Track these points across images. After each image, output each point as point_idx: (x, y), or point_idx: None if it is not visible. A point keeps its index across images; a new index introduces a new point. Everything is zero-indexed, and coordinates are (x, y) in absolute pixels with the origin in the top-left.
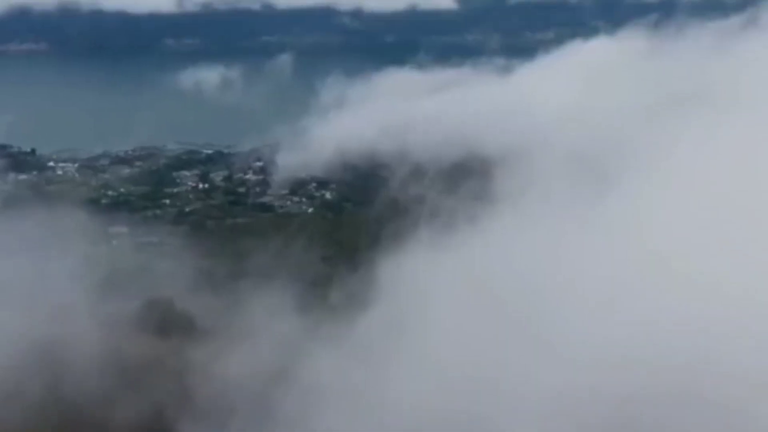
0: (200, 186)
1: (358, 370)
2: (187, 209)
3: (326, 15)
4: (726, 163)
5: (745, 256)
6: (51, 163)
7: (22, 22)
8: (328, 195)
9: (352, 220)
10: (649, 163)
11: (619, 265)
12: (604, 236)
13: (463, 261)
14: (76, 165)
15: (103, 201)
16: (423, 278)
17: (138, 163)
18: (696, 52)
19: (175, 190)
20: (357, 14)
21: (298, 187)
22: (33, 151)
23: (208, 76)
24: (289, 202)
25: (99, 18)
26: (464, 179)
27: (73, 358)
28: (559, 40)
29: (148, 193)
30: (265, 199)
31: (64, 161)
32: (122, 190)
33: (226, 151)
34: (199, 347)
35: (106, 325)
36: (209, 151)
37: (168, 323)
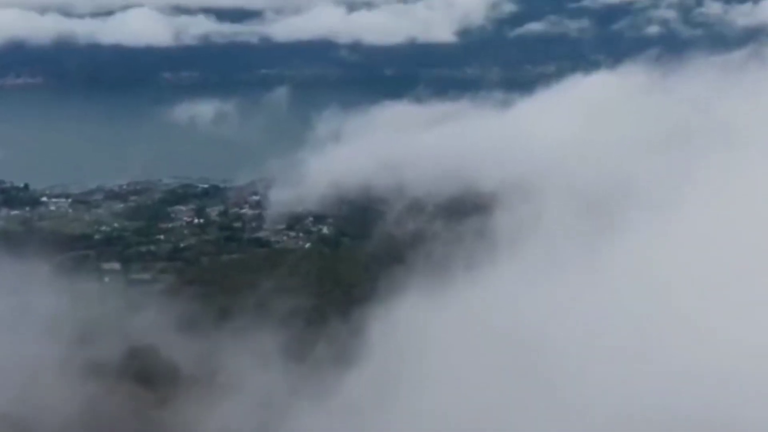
0: (195, 221)
1: (351, 424)
2: (181, 245)
3: (325, 48)
4: (733, 203)
5: (756, 302)
6: (44, 199)
7: (17, 56)
8: (325, 230)
9: (349, 256)
10: (652, 202)
11: (625, 313)
12: (609, 281)
13: (462, 305)
14: (70, 200)
15: (96, 237)
16: (421, 324)
17: (132, 198)
18: (698, 87)
19: (170, 225)
20: (355, 47)
21: (294, 221)
22: (26, 186)
23: (205, 110)
24: (285, 237)
25: (95, 51)
26: (463, 215)
27: (46, 412)
28: (559, 74)
29: (142, 228)
30: (261, 234)
31: (57, 196)
32: (116, 225)
33: (222, 185)
34: (181, 399)
35: (86, 375)
36: (205, 186)
37: (151, 373)
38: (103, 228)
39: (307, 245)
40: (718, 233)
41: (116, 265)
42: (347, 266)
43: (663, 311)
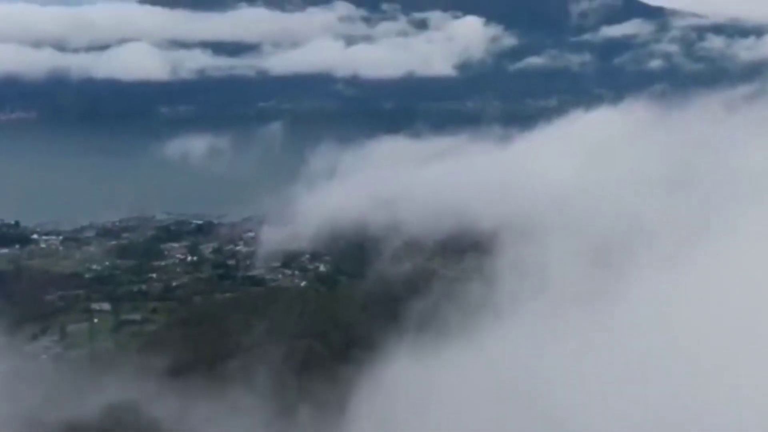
0: (188, 258)
1: None
2: (174, 283)
3: (322, 81)
4: (743, 248)
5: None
6: (34, 236)
7: (11, 91)
8: (322, 267)
9: (346, 295)
10: (659, 246)
11: (632, 368)
12: (614, 332)
13: (461, 353)
14: (61, 237)
15: (87, 276)
16: (420, 370)
17: (125, 235)
18: (703, 124)
19: (163, 263)
20: (353, 81)
21: (290, 259)
22: (17, 223)
23: (200, 144)
24: (280, 276)
25: (90, 86)
26: (462, 254)
27: None
28: (560, 108)
29: (134, 266)
30: (256, 272)
31: (48, 234)
32: (107, 263)
33: (216, 221)
34: None
35: None
36: (199, 222)
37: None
38: (94, 267)
39: (303, 284)
40: (727, 281)
41: (106, 306)
42: (344, 306)
43: (673, 365)
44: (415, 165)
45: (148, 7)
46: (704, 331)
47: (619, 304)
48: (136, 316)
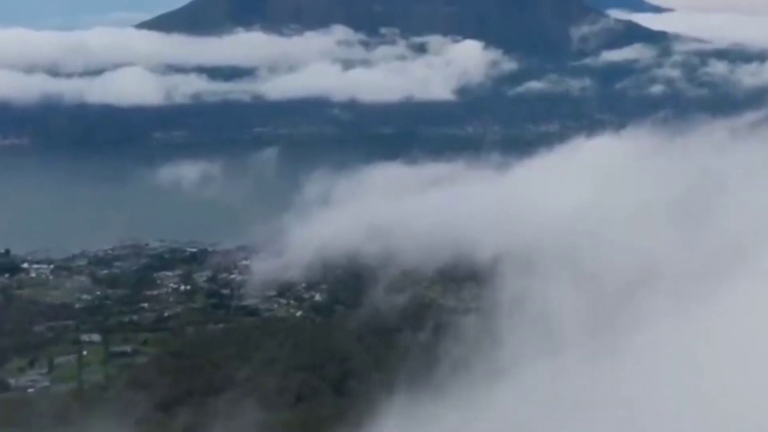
0: (182, 288)
1: None
2: (166, 314)
3: (319, 106)
4: (754, 284)
5: None
6: (25, 265)
7: (3, 117)
8: (318, 297)
9: (343, 326)
10: (662, 281)
11: (638, 415)
12: (615, 376)
13: (459, 393)
14: (51, 266)
15: (77, 306)
16: (417, 407)
17: (117, 264)
18: (707, 152)
19: (155, 292)
20: (351, 105)
21: (285, 288)
22: (7, 251)
23: (195, 170)
24: (275, 305)
25: (83, 111)
26: (460, 285)
27: None
28: (561, 134)
29: (125, 296)
30: (250, 302)
31: (39, 262)
32: (98, 293)
33: (210, 249)
34: None
35: None
36: (193, 249)
37: None
38: (85, 296)
39: (299, 313)
40: (740, 323)
41: (96, 337)
42: (341, 337)
43: (684, 416)
44: (413, 192)
45: (144, 32)
46: (718, 379)
47: (624, 345)
48: (127, 348)
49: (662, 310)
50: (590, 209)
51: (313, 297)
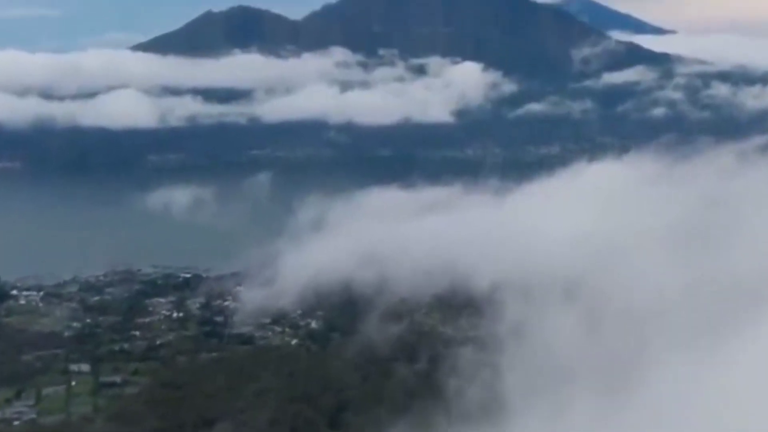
0: (174, 315)
1: None
2: (158, 342)
3: (316, 128)
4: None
5: None
6: (14, 292)
7: None
8: (313, 324)
9: (339, 354)
10: (664, 313)
11: None
12: (615, 408)
13: (457, 422)
14: (42, 293)
15: (67, 334)
16: None
17: (109, 290)
18: (713, 178)
19: (147, 319)
20: (348, 128)
21: (280, 315)
22: None
23: (189, 195)
24: (270, 333)
25: (76, 135)
26: (459, 312)
27: None
28: (562, 156)
29: (116, 323)
30: (244, 330)
31: (29, 289)
32: (88, 321)
33: (204, 274)
34: None
35: None
36: (187, 275)
37: None
38: (75, 324)
39: (294, 341)
40: (748, 359)
41: (85, 367)
42: (337, 366)
43: None
44: (410, 216)
45: (140, 54)
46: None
47: (629, 382)
48: (117, 378)
49: (668, 346)
50: (592, 236)
51: (308, 324)
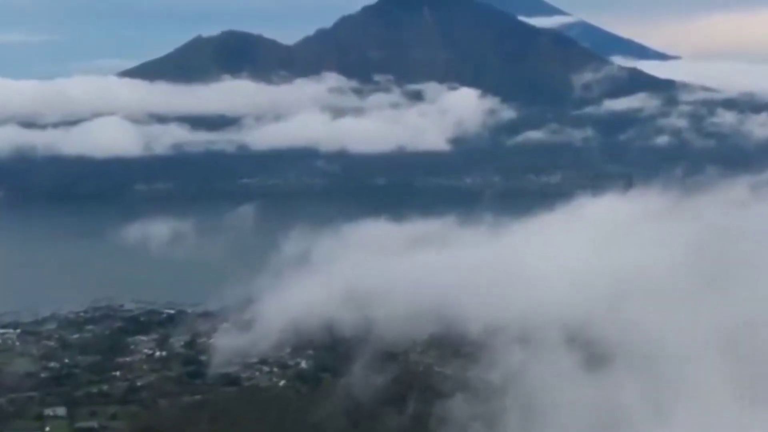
0: (157, 354)
1: None
2: (139, 383)
3: (307, 156)
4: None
5: None
6: None
7: None
8: (303, 364)
9: (329, 396)
10: (671, 356)
11: None
12: None
13: None
14: (18, 331)
15: (43, 375)
16: None
17: (89, 327)
18: (721, 212)
19: (128, 359)
20: (340, 156)
21: (268, 354)
22: None
23: (176, 227)
24: (257, 373)
25: (58, 164)
26: (455, 351)
27: None
28: (562, 186)
29: (96, 363)
30: (231, 370)
31: (6, 326)
32: (66, 360)
33: (189, 310)
34: None
35: None
36: (171, 311)
37: None
38: (52, 364)
39: (282, 382)
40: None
41: (61, 411)
42: (327, 409)
43: None
44: (404, 251)
45: (126, 80)
46: None
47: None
48: (93, 423)
49: (675, 396)
50: (594, 275)
51: (298, 364)
